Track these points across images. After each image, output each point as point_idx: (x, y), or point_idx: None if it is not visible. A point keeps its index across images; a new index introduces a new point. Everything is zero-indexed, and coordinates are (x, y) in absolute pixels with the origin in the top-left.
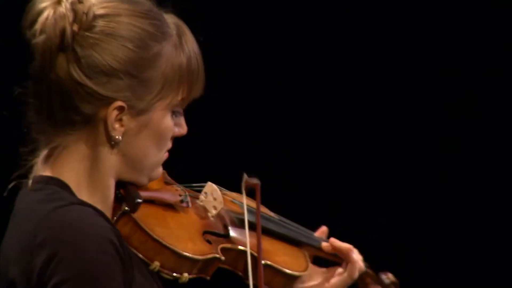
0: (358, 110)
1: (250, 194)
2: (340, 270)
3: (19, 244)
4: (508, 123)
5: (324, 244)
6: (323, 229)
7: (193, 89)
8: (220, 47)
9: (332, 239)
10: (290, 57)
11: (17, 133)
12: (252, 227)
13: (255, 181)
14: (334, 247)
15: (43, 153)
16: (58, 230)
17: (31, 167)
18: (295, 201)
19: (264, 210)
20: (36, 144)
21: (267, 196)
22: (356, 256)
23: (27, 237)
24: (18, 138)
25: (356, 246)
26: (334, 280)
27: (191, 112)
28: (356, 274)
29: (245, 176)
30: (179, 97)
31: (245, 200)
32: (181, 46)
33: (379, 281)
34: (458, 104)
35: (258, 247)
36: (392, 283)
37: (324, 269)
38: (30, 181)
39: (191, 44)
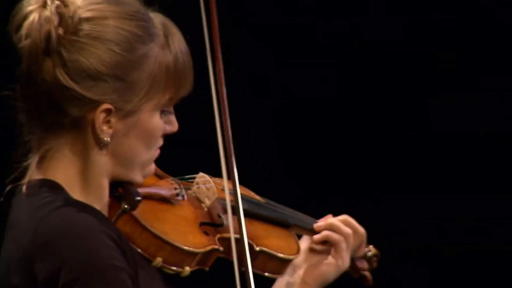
0: (351, 105)
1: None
2: (330, 258)
3: (19, 252)
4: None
5: (317, 225)
6: (328, 217)
7: (181, 88)
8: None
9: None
10: (289, 49)
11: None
12: (245, 214)
13: None
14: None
15: (37, 156)
16: (55, 232)
17: (25, 169)
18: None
19: (250, 194)
20: (28, 146)
21: (259, 188)
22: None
23: (26, 244)
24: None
25: None
26: (324, 268)
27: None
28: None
29: None
30: (167, 97)
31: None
32: (168, 46)
33: (364, 255)
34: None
35: (240, 230)
36: (374, 255)
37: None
38: (24, 186)
39: (178, 43)
